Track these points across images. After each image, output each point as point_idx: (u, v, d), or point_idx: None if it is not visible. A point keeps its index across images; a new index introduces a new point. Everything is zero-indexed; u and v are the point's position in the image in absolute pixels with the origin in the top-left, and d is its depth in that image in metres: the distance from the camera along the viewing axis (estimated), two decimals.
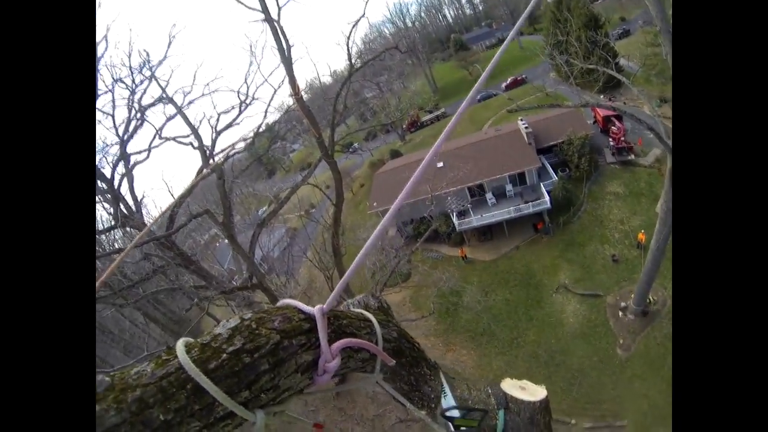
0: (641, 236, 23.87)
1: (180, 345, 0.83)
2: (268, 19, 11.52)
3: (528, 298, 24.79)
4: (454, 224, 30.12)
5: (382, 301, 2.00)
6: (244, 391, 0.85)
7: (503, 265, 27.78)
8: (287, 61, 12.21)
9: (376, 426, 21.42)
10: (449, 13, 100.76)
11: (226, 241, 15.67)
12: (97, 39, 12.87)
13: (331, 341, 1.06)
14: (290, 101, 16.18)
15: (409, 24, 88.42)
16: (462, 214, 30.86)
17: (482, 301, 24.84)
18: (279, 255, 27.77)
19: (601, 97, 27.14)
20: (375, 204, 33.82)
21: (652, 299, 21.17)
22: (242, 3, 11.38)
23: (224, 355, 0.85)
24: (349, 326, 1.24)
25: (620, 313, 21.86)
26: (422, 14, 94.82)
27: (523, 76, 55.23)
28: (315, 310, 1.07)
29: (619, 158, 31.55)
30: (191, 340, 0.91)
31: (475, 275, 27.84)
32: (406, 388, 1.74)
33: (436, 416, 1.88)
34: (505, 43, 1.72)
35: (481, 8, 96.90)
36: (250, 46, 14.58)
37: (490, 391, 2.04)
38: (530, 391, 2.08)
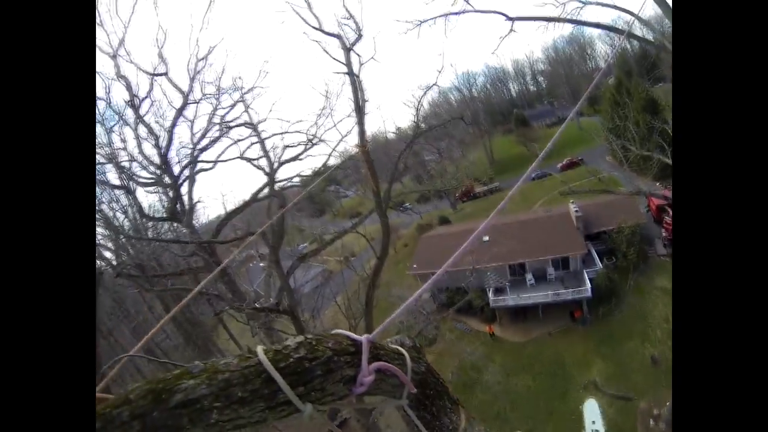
0: None
1: (260, 348, 1.20)
2: (350, 72, 12.26)
3: (552, 389, 23.29)
4: (488, 299, 29.53)
5: (415, 342, 2.26)
6: (300, 387, 1.18)
7: (531, 349, 26.55)
8: (360, 113, 12.92)
9: None
10: (513, 87, 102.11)
11: (261, 264, 16.40)
12: (197, 57, 14.71)
13: (369, 363, 1.39)
14: (352, 149, 17.15)
15: (475, 94, 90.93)
16: (499, 290, 30.31)
17: (502, 382, 23.71)
18: (309, 292, 28.14)
19: (657, 185, 26.24)
20: (415, 266, 33.96)
21: None
22: (329, 54, 12.40)
23: (291, 359, 1.20)
24: (384, 356, 1.58)
25: (651, 422, 19.70)
26: (488, 86, 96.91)
27: (580, 158, 55.07)
28: (363, 338, 1.42)
29: (670, 251, 29.83)
30: (267, 347, 1.30)
31: (500, 355, 26.80)
32: (428, 417, 1.98)
33: None
34: (562, 126, 2.00)
35: (544, 85, 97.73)
36: (326, 92, 15.78)
37: None
38: None
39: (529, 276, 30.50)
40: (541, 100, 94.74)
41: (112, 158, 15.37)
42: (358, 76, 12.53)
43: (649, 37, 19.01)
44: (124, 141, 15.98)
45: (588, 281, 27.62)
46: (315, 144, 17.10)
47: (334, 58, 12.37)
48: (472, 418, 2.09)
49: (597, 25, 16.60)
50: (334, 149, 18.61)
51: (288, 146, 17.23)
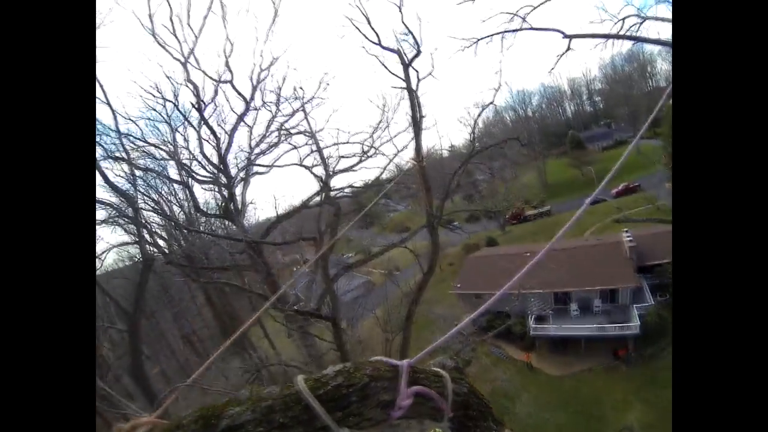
0: None
1: (300, 378, 1.28)
2: (408, 87, 12.44)
3: (585, 431, 22.15)
4: (529, 327, 28.68)
5: (457, 363, 2.32)
6: (338, 413, 1.26)
7: (569, 384, 25.38)
8: (417, 128, 13.04)
9: None
10: (569, 107, 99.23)
11: (307, 269, 16.89)
12: (261, 67, 15.54)
13: (407, 386, 1.45)
14: (407, 163, 17.37)
15: (530, 113, 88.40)
16: (540, 318, 29.49)
17: (533, 415, 22.73)
18: (349, 302, 28.43)
19: None
20: (459, 285, 33.58)
21: None
22: (387, 68, 12.59)
23: (329, 386, 1.29)
24: (424, 379, 1.63)
25: None
26: (543, 105, 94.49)
27: (637, 183, 52.21)
28: (403, 362, 1.48)
29: None
30: (307, 376, 1.40)
31: (534, 386, 25.81)
32: None
33: None
34: (626, 151, 1.98)
35: (601, 105, 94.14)
36: (383, 106, 16.12)
37: None
38: None
39: (573, 306, 29.34)
40: (597, 122, 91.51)
41: (174, 155, 16.54)
42: (416, 92, 12.62)
43: None
44: (187, 141, 17.24)
45: (637, 317, 26.04)
46: (370, 156, 17.35)
47: (393, 73, 12.56)
48: None
49: (657, 42, 16.00)
50: (390, 161, 18.75)
51: (343, 156, 17.47)
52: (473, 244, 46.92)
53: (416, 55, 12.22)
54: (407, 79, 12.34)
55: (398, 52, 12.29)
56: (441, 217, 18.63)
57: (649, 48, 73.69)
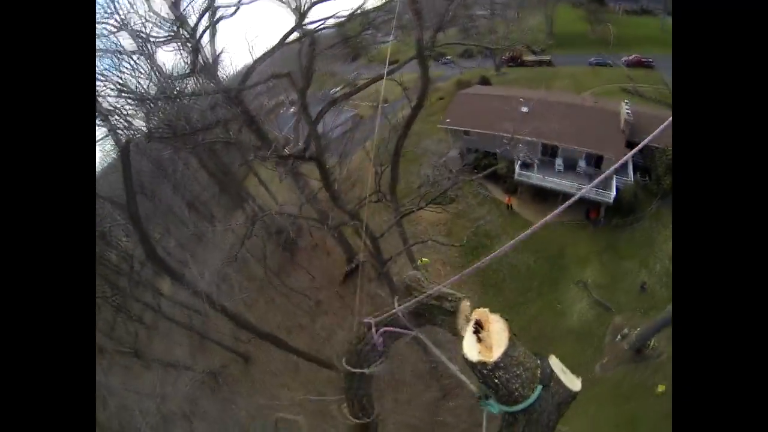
0: None
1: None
2: None
3: (548, 275, 24.88)
4: (514, 171, 29.51)
5: (419, 274, 3.16)
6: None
7: (542, 232, 27.12)
8: None
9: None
10: None
11: (292, 110, 16.07)
12: None
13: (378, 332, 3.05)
14: None
15: None
16: (526, 165, 30.08)
17: (508, 255, 24.93)
18: (338, 137, 27.84)
19: None
20: (448, 120, 33.07)
21: (652, 343, 20.53)
22: None
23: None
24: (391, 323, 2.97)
25: (618, 337, 21.69)
26: None
27: (651, 60, 48.05)
28: (369, 320, 3.06)
29: None
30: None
31: (513, 229, 27.58)
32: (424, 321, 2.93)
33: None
34: None
35: None
36: None
37: (539, 362, 2.10)
38: (569, 379, 2.11)
39: (559, 161, 30.24)
40: None
41: (124, 24, 14.42)
42: None
43: None
44: (132, 3, 14.98)
45: (615, 188, 27.40)
46: None
47: None
48: (514, 336, 2.12)
49: None
50: None
51: None
52: (465, 81, 44.94)
53: None
54: None
55: None
56: (433, 49, 17.33)
57: None
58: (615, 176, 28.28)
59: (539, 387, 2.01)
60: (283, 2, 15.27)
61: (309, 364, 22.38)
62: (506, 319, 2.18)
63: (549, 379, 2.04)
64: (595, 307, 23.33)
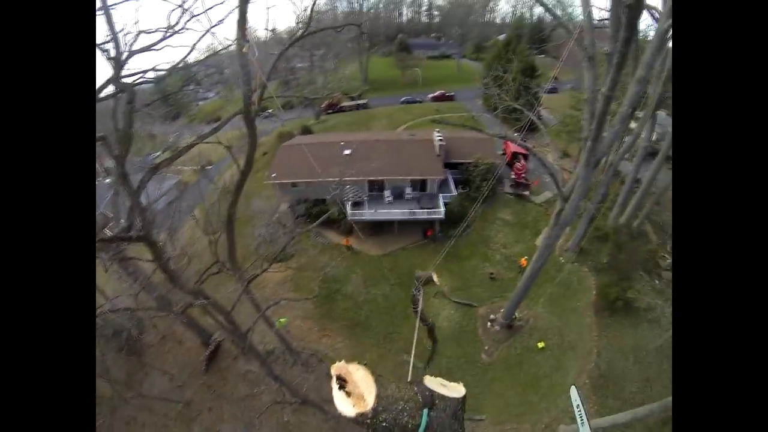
0: (523, 262, 26.53)
1: None
2: None
3: (407, 297, 25.81)
4: (345, 213, 30.25)
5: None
6: None
7: (387, 262, 28.68)
8: (243, 3, 10.94)
9: (248, 406, 20.85)
10: (406, 13, 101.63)
11: (107, 180, 13.93)
12: None
13: None
14: (215, 45, 14.90)
15: (365, 9, 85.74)
16: (357, 204, 31.33)
17: (363, 292, 25.45)
18: (164, 208, 25.58)
19: (516, 134, 29.49)
20: (274, 175, 32.78)
21: (517, 316, 23.79)
22: None
23: None
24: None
25: (489, 324, 24.25)
26: (381, 5, 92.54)
27: (452, 93, 58.00)
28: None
29: (515, 191, 35.15)
30: None
31: (359, 266, 28.40)
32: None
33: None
34: None
35: (437, 20, 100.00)
36: None
37: (416, 389, 2.17)
38: (451, 388, 2.24)
39: (387, 193, 32.11)
40: (429, 33, 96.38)
41: None
42: None
43: (558, 11, 19.68)
44: None
45: (443, 204, 30.51)
46: (177, 33, 13.93)
47: None
48: (379, 376, 2.18)
49: None
50: (200, 40, 15.70)
51: (143, 31, 13.87)
52: (287, 132, 45.69)
53: None
54: None
55: None
56: (260, 107, 17.41)
57: None
58: (440, 195, 31.58)
59: (425, 411, 2.05)
60: (101, 48, 13.22)
61: None
62: (364, 364, 2.16)
63: (431, 399, 2.10)
64: (458, 309, 25.32)
